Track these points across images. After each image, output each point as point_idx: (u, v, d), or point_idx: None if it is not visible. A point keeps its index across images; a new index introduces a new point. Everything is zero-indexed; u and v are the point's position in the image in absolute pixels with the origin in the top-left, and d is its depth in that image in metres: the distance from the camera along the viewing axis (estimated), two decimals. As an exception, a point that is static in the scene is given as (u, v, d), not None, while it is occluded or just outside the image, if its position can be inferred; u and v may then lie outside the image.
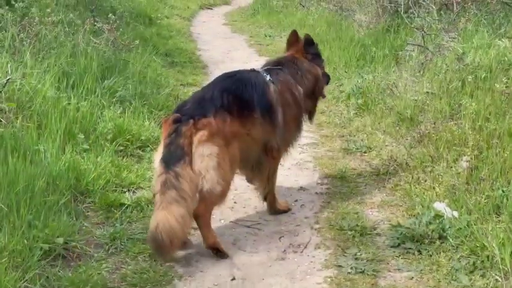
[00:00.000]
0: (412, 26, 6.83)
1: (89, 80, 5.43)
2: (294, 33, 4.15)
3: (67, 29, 6.21)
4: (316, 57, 4.15)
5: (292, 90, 3.87)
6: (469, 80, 4.83)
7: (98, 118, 5.01)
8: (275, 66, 3.91)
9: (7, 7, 6.01)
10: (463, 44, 5.63)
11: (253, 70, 3.84)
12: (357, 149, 5.13)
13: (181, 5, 13.99)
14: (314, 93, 4.10)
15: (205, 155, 3.32)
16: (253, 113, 3.58)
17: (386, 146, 5.04)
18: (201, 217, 3.43)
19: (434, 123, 4.72)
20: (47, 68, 5.27)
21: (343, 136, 5.54)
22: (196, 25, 12.36)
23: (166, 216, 3.17)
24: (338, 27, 9.10)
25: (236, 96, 3.52)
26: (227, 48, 9.50)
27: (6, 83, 4.52)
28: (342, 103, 6.39)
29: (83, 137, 4.62)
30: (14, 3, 6.03)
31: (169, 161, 3.28)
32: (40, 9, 6.39)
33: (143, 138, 5.02)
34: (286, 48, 4.21)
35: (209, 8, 15.53)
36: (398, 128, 5.19)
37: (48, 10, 5.98)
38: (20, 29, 5.55)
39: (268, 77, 3.76)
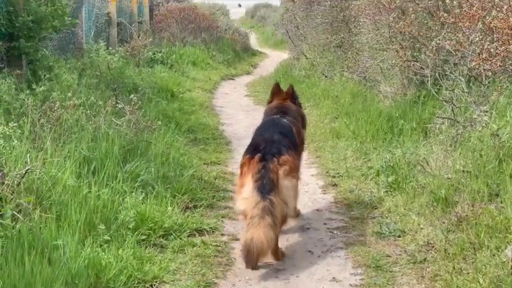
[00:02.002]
0: (440, 98, 6.67)
1: (110, 165, 5.33)
2: (277, 85, 5.36)
3: (88, 111, 6.15)
4: (300, 104, 5.45)
5: (298, 128, 5.06)
6: (508, 161, 4.61)
7: (119, 206, 4.86)
8: (283, 113, 4.99)
9: (28, 91, 6.00)
10: (496, 119, 5.43)
11: (278, 118, 4.93)
12: (391, 232, 4.89)
13: (202, 77, 14.08)
14: (304, 126, 5.36)
15: (289, 187, 4.31)
16: (296, 148, 4.69)
17: (421, 229, 4.79)
18: None
19: (472, 206, 4.49)
20: (68, 154, 5.18)
21: (374, 218, 5.31)
22: (219, 97, 12.37)
23: (260, 235, 4.02)
24: (363, 99, 8.99)
25: (287, 137, 4.64)
26: (250, 122, 9.40)
27: (25, 174, 4.42)
28: (371, 181, 6.18)
29: (104, 227, 4.46)
30: (35, 87, 6.02)
31: (264, 191, 4.17)
32: (61, 91, 6.37)
33: (166, 225, 4.85)
34: (270, 97, 5.34)
35: (231, 79, 15.62)
36: (432, 209, 4.95)
37: (69, 94, 5.92)
38: (40, 114, 5.50)
39: (287, 121, 4.88)
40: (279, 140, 4.50)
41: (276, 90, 5.33)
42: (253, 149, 4.49)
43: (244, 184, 4.29)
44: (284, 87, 5.49)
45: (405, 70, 7.93)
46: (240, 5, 47.31)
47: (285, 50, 19.33)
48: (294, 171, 4.38)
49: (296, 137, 4.86)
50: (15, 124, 4.98)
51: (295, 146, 4.76)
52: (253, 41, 26.32)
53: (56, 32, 7.12)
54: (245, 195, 4.26)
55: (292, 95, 5.30)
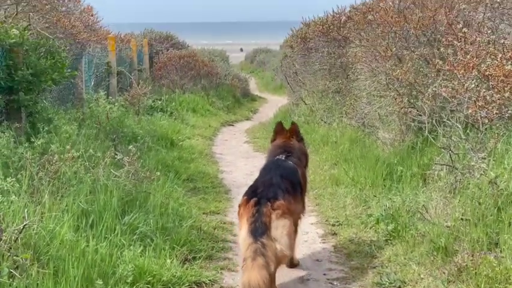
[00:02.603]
0: (438, 145, 6.71)
1: (108, 218, 5.32)
2: (280, 124, 5.53)
3: (87, 163, 6.18)
4: (302, 139, 5.56)
5: (302, 168, 5.20)
6: (506, 209, 4.61)
7: (117, 259, 4.84)
8: (288, 153, 5.11)
9: (27, 144, 6.03)
10: (494, 166, 5.45)
11: (282, 159, 5.06)
12: (391, 283, 4.86)
13: (202, 123, 14.16)
14: (306, 165, 5.47)
15: (279, 226, 4.41)
16: (297, 191, 4.81)
17: (422, 279, 4.76)
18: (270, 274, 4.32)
19: (472, 255, 4.47)
20: (66, 207, 5.19)
21: (374, 267, 5.28)
22: (218, 144, 12.42)
23: (256, 276, 4.15)
24: (362, 145, 9.04)
25: (289, 180, 4.73)
26: (250, 169, 9.42)
27: (22, 229, 4.41)
28: (371, 229, 6.17)
29: (101, 282, 4.43)
30: (34, 140, 6.06)
31: (256, 234, 4.32)
32: (60, 143, 6.41)
33: (164, 279, 4.82)
34: (274, 136, 5.50)
35: (230, 125, 15.70)
36: (432, 258, 4.94)
37: (68, 146, 5.96)
38: (39, 167, 5.52)
39: (291, 163, 5.00)
40: (277, 184, 4.59)
41: (279, 129, 5.50)
42: (251, 191, 4.65)
43: (241, 227, 4.49)
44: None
45: (403, 117, 7.99)
46: (241, 50, 47.97)
47: (285, 95, 19.50)
48: (288, 214, 4.50)
49: (301, 178, 4.99)
50: (14, 179, 4.99)
51: (299, 187, 4.88)
52: (253, 85, 26.54)
53: (55, 85, 7.18)
54: (241, 239, 4.47)
55: (295, 133, 5.47)
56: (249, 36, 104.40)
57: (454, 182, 5.99)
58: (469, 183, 5.59)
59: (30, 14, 7.57)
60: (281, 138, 5.41)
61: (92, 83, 11.16)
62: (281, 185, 4.63)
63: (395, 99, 7.86)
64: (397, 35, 8.43)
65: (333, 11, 12.54)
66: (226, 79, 20.01)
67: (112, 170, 6.30)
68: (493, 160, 5.63)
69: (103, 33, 12.63)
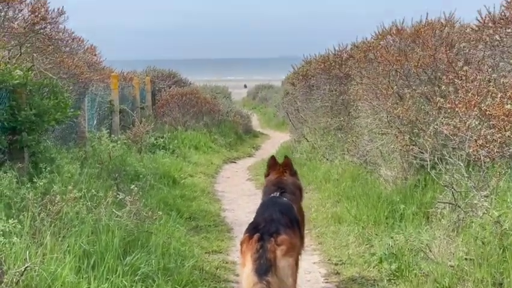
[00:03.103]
0: (441, 183, 6.71)
1: (110, 258, 5.30)
2: (273, 158, 5.57)
3: (89, 203, 6.18)
4: (296, 173, 5.57)
5: (298, 203, 5.26)
6: (511, 249, 4.60)
7: (119, 301, 4.81)
8: (282, 189, 5.16)
9: (29, 184, 6.05)
10: (497, 205, 5.44)
11: (277, 196, 5.11)
12: (395, 324, 4.81)
13: (204, 161, 14.19)
14: (301, 198, 5.47)
15: (285, 266, 4.35)
16: (296, 227, 4.77)
17: (426, 320, 4.72)
18: None
19: (477, 296, 4.44)
20: (68, 248, 5.18)
21: (378, 308, 5.23)
22: (220, 182, 12.42)
23: None
24: (364, 182, 9.03)
25: (287, 216, 4.72)
26: (252, 207, 9.38)
27: (24, 271, 4.40)
28: (374, 268, 6.13)
29: (102, 326, 4.41)
30: (36, 180, 6.08)
31: (261, 272, 4.23)
32: (63, 183, 6.43)
33: (166, 322, 4.78)
34: (267, 170, 5.55)
35: (233, 162, 15.73)
36: (437, 299, 4.89)
37: (70, 187, 5.97)
38: (41, 208, 5.52)
39: (286, 200, 5.06)
40: (278, 219, 4.59)
41: (272, 163, 5.56)
42: (252, 228, 4.61)
43: (245, 264, 4.41)
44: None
45: (405, 154, 8.01)
46: (245, 86, 48.39)
47: (287, 131, 19.56)
48: (292, 250, 4.47)
49: (297, 214, 4.98)
50: (16, 220, 4.99)
51: (296, 223, 4.85)
52: (255, 122, 26.67)
53: (58, 124, 7.26)
54: (244, 276, 4.39)
55: (288, 166, 5.52)
56: (253, 72, 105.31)
57: (457, 221, 5.98)
58: (472, 222, 5.58)
59: (34, 54, 7.66)
60: (274, 173, 5.46)
61: (95, 122, 11.24)
62: (281, 220, 4.62)
63: (397, 137, 7.90)
64: (398, 73, 8.50)
65: (335, 48, 12.67)
66: (228, 116, 20.13)
67: (113, 210, 6.30)
68: (496, 198, 5.62)
69: (106, 72, 12.76)
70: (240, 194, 10.90)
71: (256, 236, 4.43)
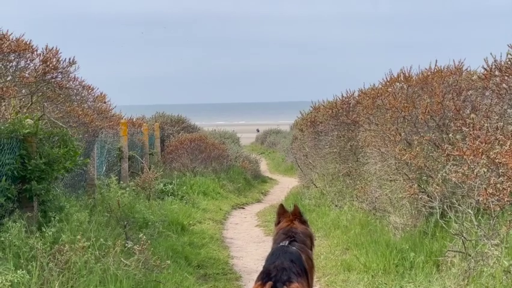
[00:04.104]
0: (450, 231, 6.68)
1: (118, 309, 5.29)
2: (282, 206, 5.66)
3: (97, 252, 6.19)
4: (305, 221, 5.59)
5: (307, 252, 5.22)
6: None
7: None
8: (291, 238, 5.16)
9: (38, 233, 6.07)
10: (507, 254, 5.40)
11: (286, 245, 5.10)
12: None
13: (213, 207, 14.18)
14: (312, 247, 5.45)
15: None
16: (306, 274, 4.81)
17: None
18: None
19: None
20: (76, 299, 5.17)
21: None
22: (229, 228, 12.38)
23: None
24: (373, 229, 8.99)
25: (297, 265, 4.75)
26: (261, 254, 9.36)
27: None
28: (385, 319, 6.06)
29: None
30: (45, 229, 6.10)
31: None
32: (71, 232, 6.45)
33: None
34: (277, 219, 5.57)
35: (241, 208, 15.71)
36: None
37: (79, 236, 5.99)
38: (49, 258, 5.53)
39: (295, 249, 5.05)
40: (289, 268, 4.60)
41: (282, 211, 5.63)
42: (264, 276, 4.61)
43: None
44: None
45: (414, 201, 8.00)
46: (258, 130, 48.72)
47: (296, 176, 19.57)
48: None
49: (305, 263, 4.97)
50: (24, 270, 5.00)
51: (305, 272, 4.85)
52: (264, 167, 26.69)
53: (68, 172, 7.30)
54: None
55: (297, 215, 5.56)
56: (263, 116, 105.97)
57: (467, 270, 5.94)
58: (483, 271, 5.54)
59: (45, 104, 7.77)
60: (285, 221, 5.50)
61: (104, 168, 11.30)
62: (293, 269, 4.64)
63: (405, 183, 7.89)
64: (406, 119, 8.56)
65: (342, 95, 12.77)
66: (237, 161, 20.18)
67: (122, 259, 6.30)
68: (506, 247, 5.59)
69: (116, 119, 12.88)
70: (248, 241, 10.85)
71: (268, 285, 4.45)
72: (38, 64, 8.02)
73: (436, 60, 9.33)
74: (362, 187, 10.53)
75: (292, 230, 5.35)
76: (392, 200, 8.81)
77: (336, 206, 11.66)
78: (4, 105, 7.13)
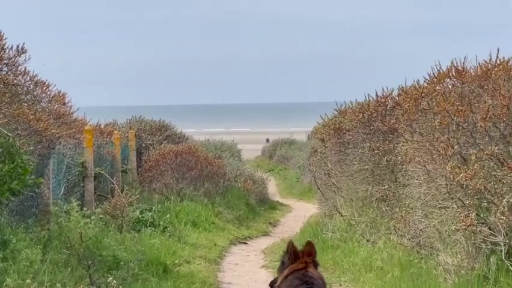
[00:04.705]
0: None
1: None
2: (292, 245, 5.49)
3: (53, 301, 6.19)
4: (318, 264, 5.55)
5: None
6: None
7: None
8: (310, 285, 5.21)
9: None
10: None
11: None
12: None
13: (205, 242, 14.17)
14: None
15: None
16: None
17: None
18: None
19: None
20: None
21: None
22: (226, 270, 12.40)
23: None
24: (417, 272, 8.98)
25: None
26: (268, 306, 9.33)
27: None
28: None
29: None
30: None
31: None
32: (19, 274, 6.46)
33: None
34: (284, 258, 5.55)
35: (243, 243, 15.71)
36: None
37: (29, 280, 6.00)
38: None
39: None
40: None
41: (292, 250, 5.49)
42: None
43: None
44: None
45: (471, 235, 7.97)
46: (268, 140, 48.86)
47: (314, 201, 19.55)
48: None
49: None
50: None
51: None
52: (273, 188, 26.70)
53: (14, 195, 7.32)
54: None
55: (312, 254, 5.48)
56: (273, 121, 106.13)
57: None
58: None
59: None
60: (297, 264, 5.43)
61: (62, 190, 11.32)
62: None
63: (459, 212, 7.88)
64: (460, 127, 8.55)
65: (377, 94, 12.77)
66: (237, 181, 20.17)
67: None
68: None
69: (78, 125, 12.90)
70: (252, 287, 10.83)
71: None
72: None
73: (498, 49, 9.30)
74: (401, 216, 10.51)
75: (308, 276, 5.32)
76: (441, 234, 8.79)
77: (367, 241, 11.65)
78: None
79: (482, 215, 7.71)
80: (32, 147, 8.54)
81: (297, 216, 19.13)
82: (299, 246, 5.73)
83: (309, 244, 5.56)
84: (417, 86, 10.90)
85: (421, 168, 9.31)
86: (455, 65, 9.79)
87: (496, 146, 8.02)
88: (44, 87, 10.40)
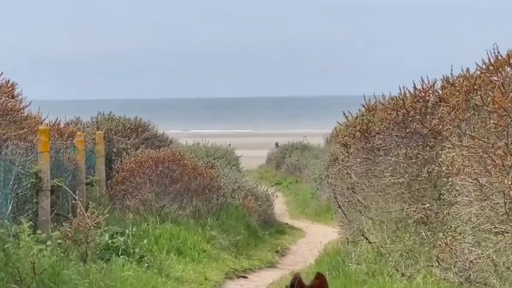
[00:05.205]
0: None
1: None
2: (298, 279, 5.26)
3: None
4: None
5: None
6: None
7: None
8: None
9: None
10: None
11: None
12: None
13: (194, 275, 14.14)
14: None
15: None
16: None
17: None
18: None
19: None
20: None
21: None
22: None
23: None
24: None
25: None
26: None
27: None
28: None
29: None
30: None
31: None
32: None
33: None
34: None
35: (242, 277, 15.72)
36: None
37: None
38: None
39: None
40: None
41: (299, 286, 5.27)
42: None
43: None
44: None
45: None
46: (277, 145, 48.97)
47: (334, 224, 19.52)
48: None
49: None
50: None
51: None
52: (281, 206, 26.70)
53: None
54: None
55: None
56: (282, 120, 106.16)
57: None
58: None
59: None
60: None
61: (10, 208, 11.31)
62: None
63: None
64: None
65: (415, 86, 12.75)
66: (234, 197, 20.19)
67: None
68: None
69: (31, 124, 12.90)
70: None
71: None
72: None
73: None
74: (446, 244, 10.51)
75: None
76: (498, 267, 8.79)
77: (402, 275, 11.64)
78: None
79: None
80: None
81: (312, 243, 19.12)
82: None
83: (320, 277, 5.45)
84: (467, 76, 10.90)
85: (472, 182, 9.31)
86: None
87: None
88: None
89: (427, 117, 12.17)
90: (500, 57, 10.09)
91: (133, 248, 13.70)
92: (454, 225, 10.44)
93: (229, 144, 33.14)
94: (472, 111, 9.87)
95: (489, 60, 10.30)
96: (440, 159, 11.15)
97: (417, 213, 12.08)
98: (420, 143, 12.30)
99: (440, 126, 11.44)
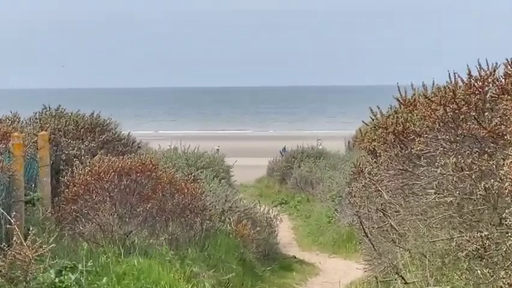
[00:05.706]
0: None
1: None
2: None
3: None
4: None
5: None
6: None
7: None
8: None
9: None
10: None
11: None
12: None
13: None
14: None
15: None
16: None
17: None
18: None
19: None
20: None
21: None
22: None
23: None
24: None
25: None
26: None
27: None
28: None
29: None
30: None
31: None
32: None
33: None
34: None
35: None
36: None
37: None
38: None
39: None
40: None
41: None
42: None
43: None
44: None
45: None
46: (285, 149, 49.34)
47: (358, 257, 19.59)
48: None
49: None
50: None
51: None
52: (286, 234, 26.88)
53: None
54: None
55: None
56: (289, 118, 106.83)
57: None
58: None
59: None
60: None
61: None
62: None
63: None
64: None
65: (469, 73, 12.71)
66: (224, 221, 20.23)
67: None
68: None
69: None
70: None
71: None
72: None
73: None
74: (510, 284, 10.51)
75: None
76: None
77: (451, 329, 11.64)
78: None
79: None
80: None
81: (328, 284, 19.22)
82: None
83: None
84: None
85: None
86: None
87: None
88: None
89: (485, 114, 12.12)
90: None
91: (87, 290, 13.71)
92: (520, 261, 10.44)
93: (217, 149, 33.17)
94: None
95: None
96: (502, 172, 11.10)
97: (472, 243, 12.05)
98: (475, 149, 12.26)
99: (503, 127, 11.39)
